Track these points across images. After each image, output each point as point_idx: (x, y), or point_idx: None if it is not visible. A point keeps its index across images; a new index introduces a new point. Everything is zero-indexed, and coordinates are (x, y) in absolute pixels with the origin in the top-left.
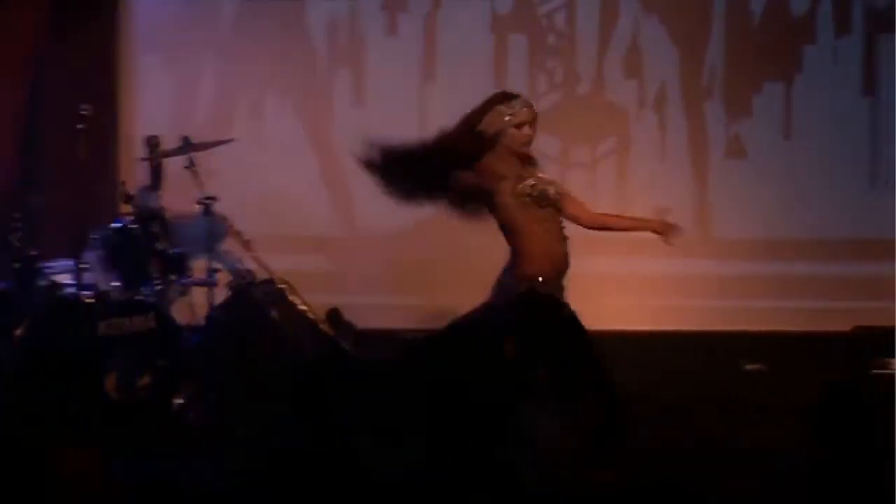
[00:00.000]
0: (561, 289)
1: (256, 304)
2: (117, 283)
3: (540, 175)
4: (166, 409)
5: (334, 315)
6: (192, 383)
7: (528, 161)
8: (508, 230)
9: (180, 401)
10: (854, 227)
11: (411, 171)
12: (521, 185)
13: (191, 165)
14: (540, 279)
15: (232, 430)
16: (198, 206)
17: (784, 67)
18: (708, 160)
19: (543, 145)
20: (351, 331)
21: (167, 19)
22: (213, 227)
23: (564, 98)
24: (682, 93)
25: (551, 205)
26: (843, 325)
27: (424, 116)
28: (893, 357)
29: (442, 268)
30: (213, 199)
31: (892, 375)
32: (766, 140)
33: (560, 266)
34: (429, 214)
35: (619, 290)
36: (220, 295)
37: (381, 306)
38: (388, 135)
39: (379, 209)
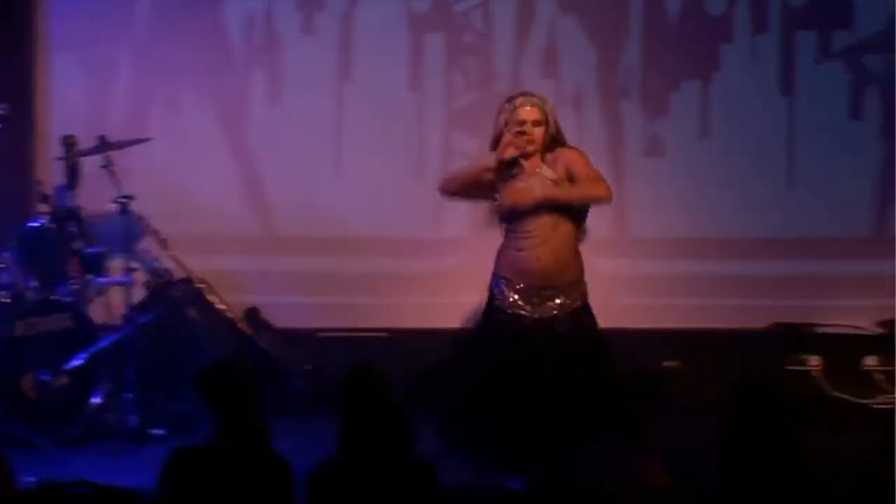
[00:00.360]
0: (533, 297)
1: (174, 303)
2: (34, 283)
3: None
4: (84, 409)
5: (252, 314)
6: (109, 383)
7: (529, 159)
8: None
9: (98, 401)
10: (771, 226)
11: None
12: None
13: (107, 164)
14: (504, 287)
15: (150, 430)
16: (114, 206)
17: (701, 66)
18: (625, 159)
19: (460, 144)
20: (269, 330)
21: (82, 17)
22: (130, 227)
23: (481, 97)
24: (600, 92)
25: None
26: (760, 322)
27: (341, 115)
28: (810, 353)
29: (358, 267)
30: (129, 198)
31: (808, 371)
32: (684, 139)
33: (528, 278)
34: (343, 213)
35: None
36: (138, 294)
37: (298, 305)
38: (304, 133)
39: (295, 208)
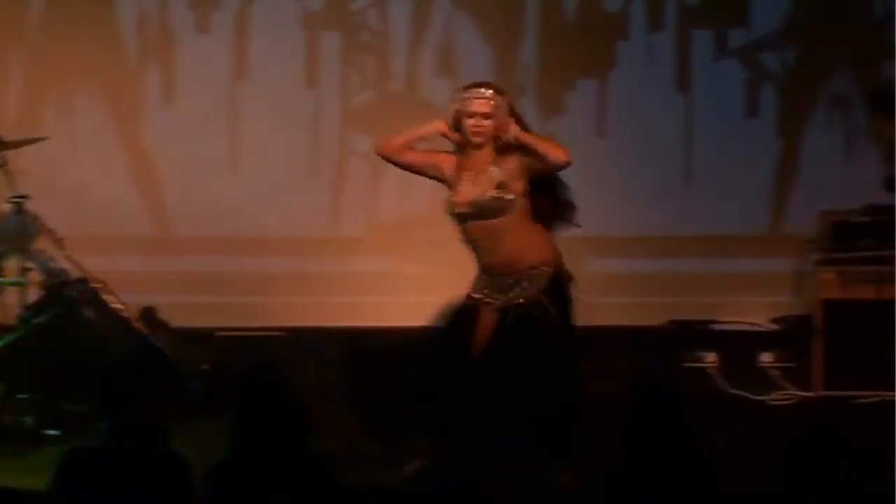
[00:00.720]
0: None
1: (70, 303)
2: None
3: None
4: None
5: (149, 314)
6: (3, 384)
7: (480, 149)
8: None
9: None
10: (668, 225)
11: None
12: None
13: (2, 164)
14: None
15: (45, 431)
16: (9, 205)
17: (598, 65)
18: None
19: (357, 143)
20: (166, 330)
21: None
22: (25, 226)
23: (378, 96)
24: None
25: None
26: (656, 320)
27: (236, 114)
28: (706, 350)
29: (255, 266)
30: (24, 197)
31: (705, 368)
32: (580, 138)
33: (489, 271)
34: (240, 212)
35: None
36: (33, 294)
37: (195, 305)
38: (199, 132)
39: (191, 207)
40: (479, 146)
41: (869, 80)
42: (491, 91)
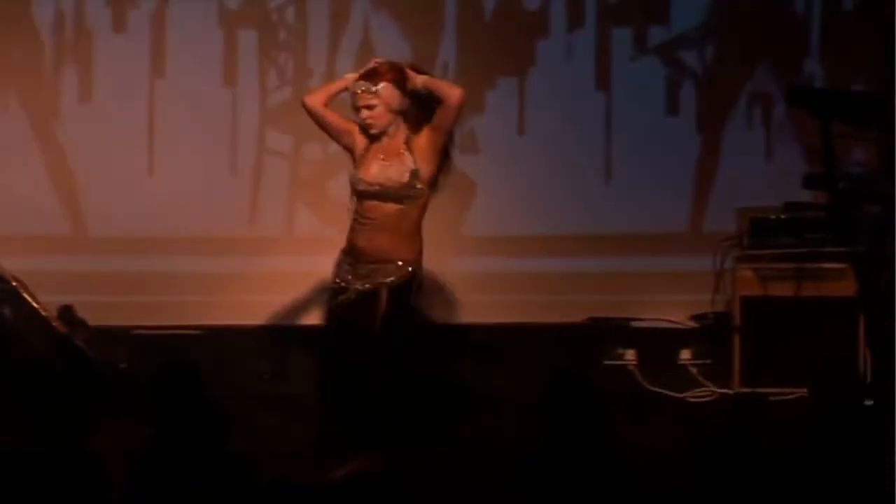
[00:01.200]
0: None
1: None
2: None
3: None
4: None
5: (67, 313)
6: None
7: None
8: None
9: None
10: (588, 222)
11: None
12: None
13: None
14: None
15: None
16: None
17: (517, 62)
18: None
19: (275, 141)
20: (84, 328)
21: None
22: None
23: (296, 94)
24: None
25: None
26: (575, 317)
27: (153, 113)
28: (625, 347)
29: (169, 265)
30: None
31: (624, 365)
32: (500, 136)
33: (356, 256)
34: (156, 212)
35: None
36: None
37: (112, 304)
38: (116, 131)
39: (108, 207)
40: (378, 136)
41: (790, 77)
42: (371, 86)
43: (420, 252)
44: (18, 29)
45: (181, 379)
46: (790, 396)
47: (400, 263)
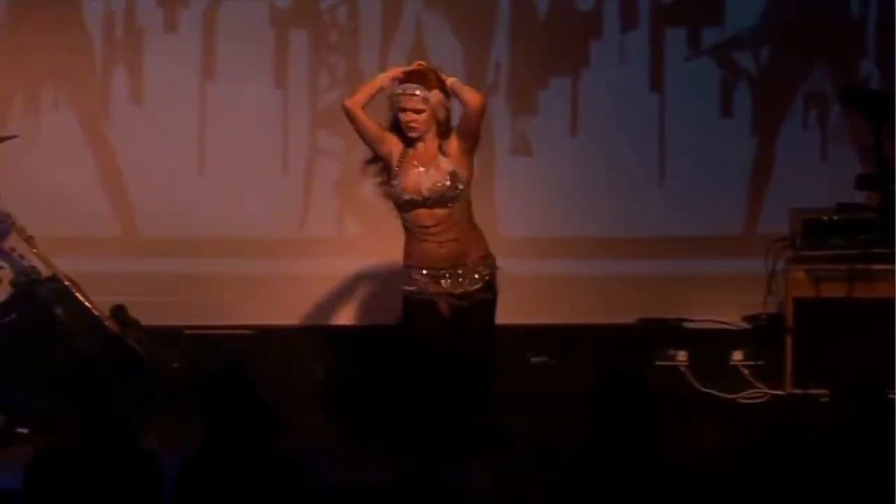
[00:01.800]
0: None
1: (41, 300)
2: None
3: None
4: None
5: (119, 312)
6: None
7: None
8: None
9: None
10: (642, 225)
11: None
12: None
13: None
14: (413, 274)
15: (16, 430)
16: None
17: (570, 63)
18: (494, 158)
19: (326, 143)
20: (137, 328)
21: None
22: None
23: (347, 95)
24: None
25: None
26: (627, 318)
27: (204, 114)
28: (677, 348)
29: (220, 267)
30: None
31: (676, 366)
32: (553, 137)
33: (434, 264)
34: (207, 213)
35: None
36: (4, 293)
37: (165, 304)
38: (166, 133)
39: (156, 207)
40: (416, 140)
41: (846, 78)
42: (425, 90)
43: (487, 245)
44: (68, 29)
45: (233, 379)
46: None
47: (478, 260)
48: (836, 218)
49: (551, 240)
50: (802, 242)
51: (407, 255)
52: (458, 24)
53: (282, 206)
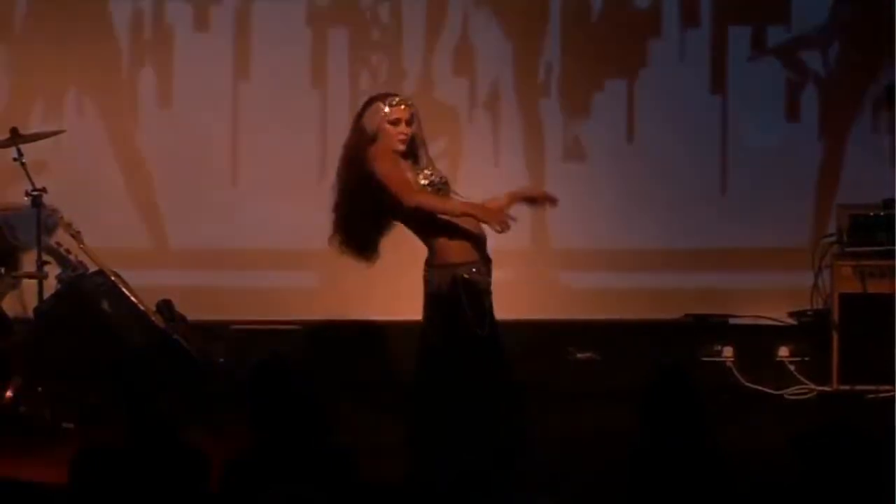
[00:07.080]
0: (488, 274)
1: (87, 295)
2: None
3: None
4: None
5: (165, 306)
6: (21, 377)
7: (410, 159)
8: (424, 224)
9: (9, 394)
10: (701, 236)
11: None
12: (420, 176)
13: (19, 157)
14: (473, 268)
15: (62, 423)
16: (27, 199)
17: (626, 64)
18: (545, 163)
19: None
20: (182, 322)
21: None
22: (42, 219)
23: None
24: (517, 91)
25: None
26: (673, 313)
27: (237, 117)
28: (723, 344)
29: (256, 281)
30: (42, 191)
31: (722, 362)
32: (608, 142)
33: (483, 250)
34: (241, 223)
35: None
36: (51, 287)
37: (210, 293)
38: (197, 138)
39: (187, 218)
40: (401, 153)
41: None
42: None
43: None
44: (94, 28)
45: (279, 374)
46: (888, 394)
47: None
48: (882, 214)
49: (605, 251)
50: (849, 238)
51: (449, 255)
52: (508, 22)
53: (320, 215)
